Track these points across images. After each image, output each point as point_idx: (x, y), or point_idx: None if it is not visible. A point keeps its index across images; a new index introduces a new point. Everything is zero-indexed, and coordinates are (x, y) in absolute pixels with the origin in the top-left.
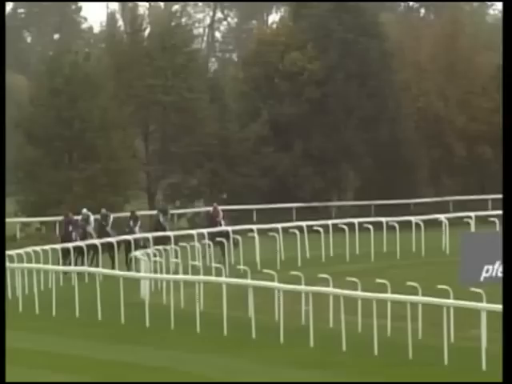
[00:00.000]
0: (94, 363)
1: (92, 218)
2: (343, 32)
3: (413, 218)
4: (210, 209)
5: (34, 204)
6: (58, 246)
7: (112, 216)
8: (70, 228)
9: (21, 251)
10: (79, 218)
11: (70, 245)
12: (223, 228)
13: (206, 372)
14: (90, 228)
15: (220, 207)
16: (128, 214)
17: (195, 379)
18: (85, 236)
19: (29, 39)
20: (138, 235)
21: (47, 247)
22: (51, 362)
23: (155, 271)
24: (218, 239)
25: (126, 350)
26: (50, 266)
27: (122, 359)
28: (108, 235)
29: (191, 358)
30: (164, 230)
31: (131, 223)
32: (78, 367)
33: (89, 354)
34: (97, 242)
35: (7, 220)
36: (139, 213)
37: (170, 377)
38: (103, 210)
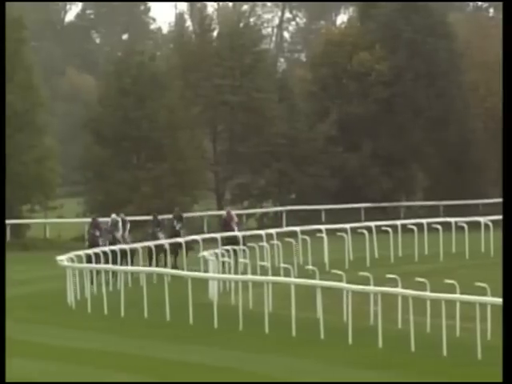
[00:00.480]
0: (159, 363)
1: (120, 223)
2: (411, 32)
3: (482, 219)
4: (224, 213)
5: (102, 204)
6: (91, 252)
7: (129, 220)
8: (98, 233)
9: (89, 251)
10: (109, 221)
11: (97, 250)
12: (236, 233)
13: (271, 372)
14: (119, 234)
15: (235, 212)
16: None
17: (259, 379)
18: (114, 242)
19: (97, 40)
20: (163, 241)
21: (116, 248)
22: (117, 362)
23: (224, 272)
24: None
25: (193, 350)
26: (118, 267)
27: (187, 359)
28: (125, 241)
29: (258, 358)
30: (179, 235)
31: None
32: (143, 367)
33: (155, 354)
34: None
35: (76, 220)
36: (209, 213)
37: (234, 377)
38: (121, 215)
